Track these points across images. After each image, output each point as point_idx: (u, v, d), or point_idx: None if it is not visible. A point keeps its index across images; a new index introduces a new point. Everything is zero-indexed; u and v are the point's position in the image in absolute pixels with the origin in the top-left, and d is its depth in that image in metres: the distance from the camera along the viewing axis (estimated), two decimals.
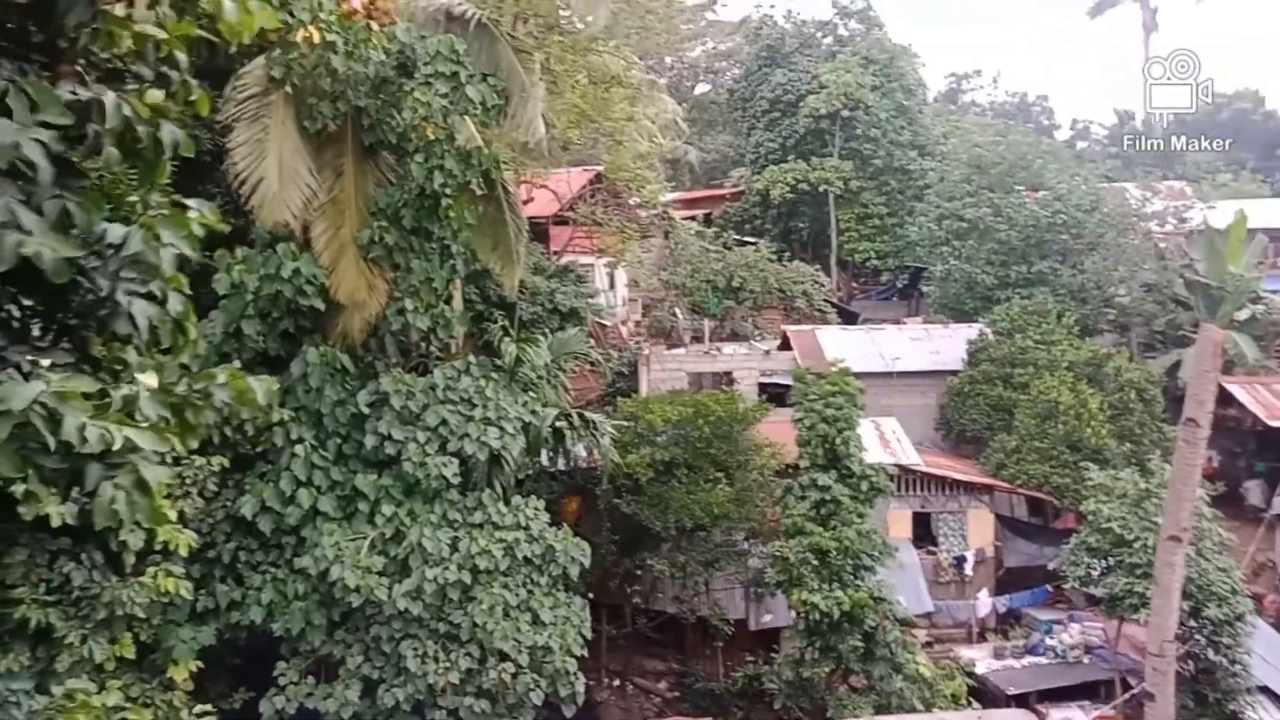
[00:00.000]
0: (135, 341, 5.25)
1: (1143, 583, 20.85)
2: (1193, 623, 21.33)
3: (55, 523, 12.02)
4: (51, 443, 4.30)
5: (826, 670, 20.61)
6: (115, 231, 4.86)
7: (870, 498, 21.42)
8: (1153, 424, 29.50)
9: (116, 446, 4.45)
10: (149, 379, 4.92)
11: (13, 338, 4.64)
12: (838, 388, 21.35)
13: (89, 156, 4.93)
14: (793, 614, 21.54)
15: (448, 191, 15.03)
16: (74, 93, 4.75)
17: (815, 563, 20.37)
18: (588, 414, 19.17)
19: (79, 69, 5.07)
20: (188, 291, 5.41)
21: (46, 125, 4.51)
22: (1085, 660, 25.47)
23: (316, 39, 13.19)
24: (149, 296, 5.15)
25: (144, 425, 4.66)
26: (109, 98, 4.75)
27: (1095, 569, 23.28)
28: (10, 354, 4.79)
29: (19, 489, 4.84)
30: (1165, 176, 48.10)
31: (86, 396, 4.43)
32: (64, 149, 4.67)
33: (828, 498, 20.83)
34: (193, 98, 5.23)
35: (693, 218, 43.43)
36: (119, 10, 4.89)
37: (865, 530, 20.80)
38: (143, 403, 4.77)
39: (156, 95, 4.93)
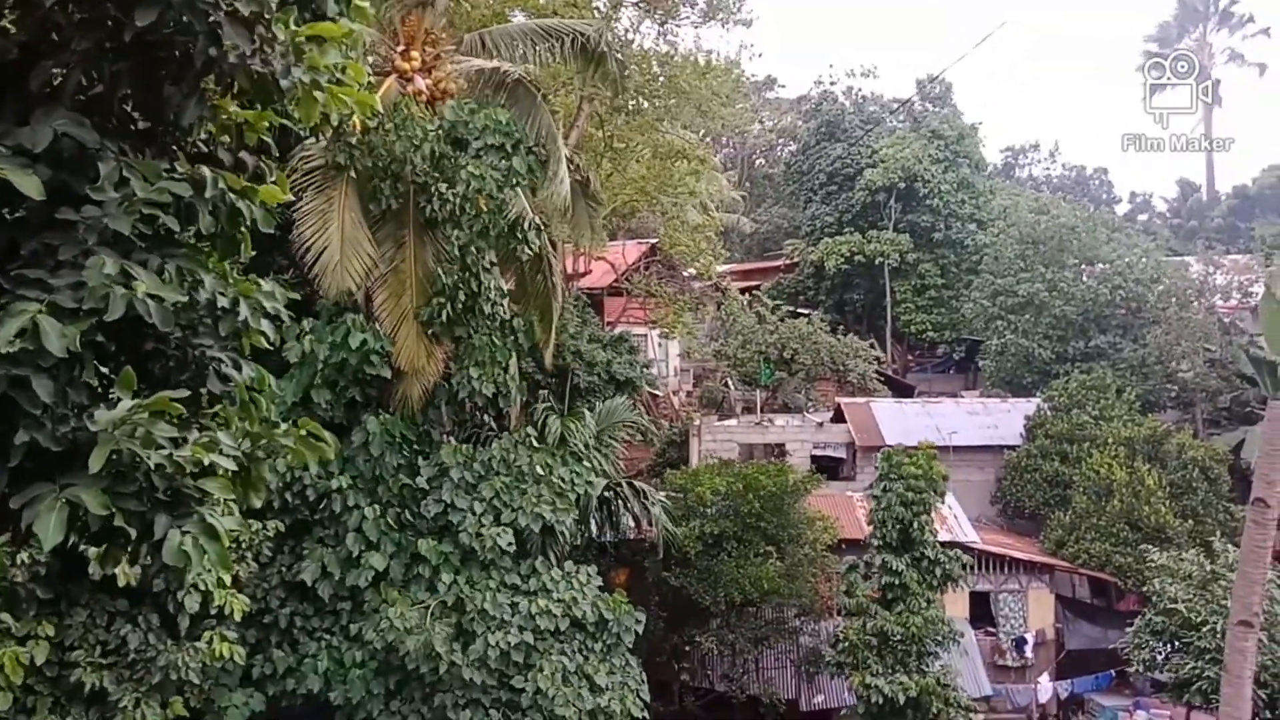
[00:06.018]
0: (219, 404, 5.46)
1: (1212, 667, 20.10)
2: (1268, 714, 20.45)
3: (122, 582, 12.27)
4: (149, 459, 4.43)
5: None
6: (222, 297, 5.09)
7: (942, 584, 20.89)
8: (1218, 503, 28.65)
9: (205, 462, 4.62)
10: (222, 435, 5.12)
11: (96, 400, 4.86)
12: (922, 471, 20.65)
13: (186, 227, 5.19)
14: (851, 696, 21.01)
15: (485, 266, 15.28)
16: (169, 171, 5.06)
17: (878, 646, 19.96)
18: (638, 484, 19.14)
19: (172, 149, 5.43)
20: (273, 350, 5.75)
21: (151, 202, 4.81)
22: None
23: (360, 127, 13.60)
24: (235, 362, 5.42)
25: (219, 472, 4.83)
26: (205, 172, 5.07)
27: (1160, 652, 22.51)
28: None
29: (92, 551, 5.00)
30: (1229, 250, 47.42)
31: (171, 418, 4.59)
32: (163, 221, 4.96)
33: (897, 582, 20.27)
34: (272, 179, 5.54)
35: (746, 289, 43.69)
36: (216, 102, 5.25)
37: (933, 616, 20.29)
38: (223, 442, 4.94)
39: (237, 180, 5.25)
